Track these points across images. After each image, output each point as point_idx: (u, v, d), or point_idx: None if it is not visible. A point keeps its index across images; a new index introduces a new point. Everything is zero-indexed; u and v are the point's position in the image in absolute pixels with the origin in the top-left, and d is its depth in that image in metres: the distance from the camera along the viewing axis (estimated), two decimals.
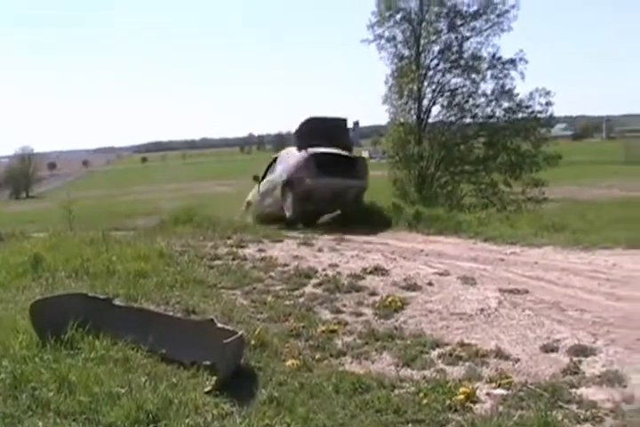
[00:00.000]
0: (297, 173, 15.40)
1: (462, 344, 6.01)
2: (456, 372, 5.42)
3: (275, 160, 17.46)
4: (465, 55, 26.39)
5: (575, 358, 5.59)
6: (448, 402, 4.76)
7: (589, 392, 4.96)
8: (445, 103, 26.58)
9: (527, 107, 25.18)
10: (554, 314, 6.85)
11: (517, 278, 8.59)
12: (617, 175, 43.34)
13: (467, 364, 5.59)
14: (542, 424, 4.36)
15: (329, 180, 15.12)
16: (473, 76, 26.25)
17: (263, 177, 17.53)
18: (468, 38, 26.36)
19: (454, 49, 26.43)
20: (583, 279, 8.69)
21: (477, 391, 4.97)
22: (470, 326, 6.56)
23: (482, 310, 7.01)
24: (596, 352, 5.72)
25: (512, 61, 25.68)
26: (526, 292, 7.70)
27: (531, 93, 25.15)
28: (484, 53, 26.29)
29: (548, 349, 5.86)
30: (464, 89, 26.39)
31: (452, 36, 26.45)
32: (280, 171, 16.26)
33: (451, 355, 5.78)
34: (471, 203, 23.52)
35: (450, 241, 12.54)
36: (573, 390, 4.98)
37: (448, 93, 26.52)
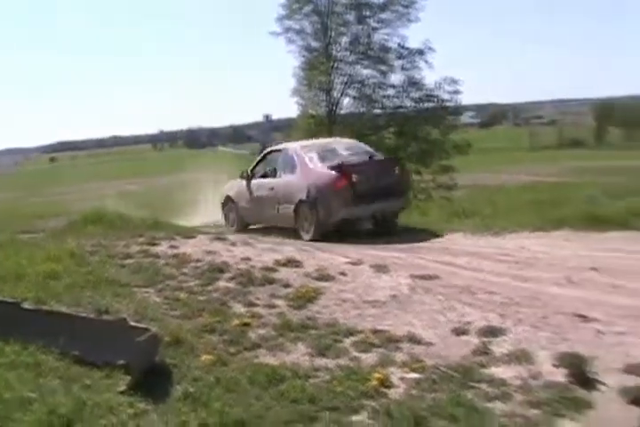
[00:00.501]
0: (325, 197, 12.07)
1: (375, 331, 6.07)
2: (370, 358, 5.48)
3: (269, 154, 14.42)
4: (374, 46, 26.63)
5: (485, 339, 5.74)
6: (362, 388, 4.81)
7: (499, 371, 5.10)
8: (355, 94, 26.81)
9: (435, 96, 25.62)
10: (464, 298, 7.00)
11: (429, 264, 8.75)
12: (523, 161, 44.40)
13: (380, 350, 5.65)
14: (454, 405, 4.46)
15: (369, 206, 12.02)
16: (382, 67, 26.52)
17: (252, 173, 14.28)
18: (376, 30, 26.62)
19: (363, 40, 26.66)
20: (492, 263, 8.92)
21: (391, 377, 5.04)
22: (383, 313, 6.64)
23: (394, 296, 7.12)
24: (505, 332, 5.89)
25: (420, 51, 26.05)
26: (437, 277, 7.83)
27: (439, 83, 25.59)
28: (393, 44, 26.62)
29: (459, 331, 6.00)
30: (374, 80, 26.66)
31: (361, 27, 26.66)
32: (288, 181, 12.94)
33: (364, 342, 5.83)
34: None
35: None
36: (484, 370, 5.11)
37: (358, 85, 26.73)
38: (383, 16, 26.55)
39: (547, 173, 26.78)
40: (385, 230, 12.47)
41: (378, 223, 12.69)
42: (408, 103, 26.10)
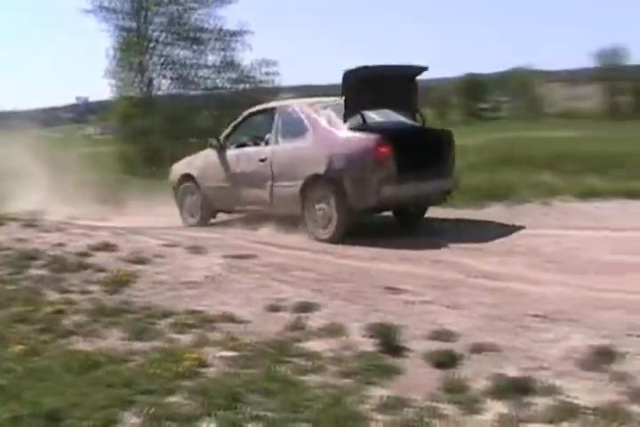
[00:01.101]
0: (359, 169, 9.01)
1: (192, 312, 6.07)
2: (186, 339, 5.45)
3: (253, 115, 11.01)
4: (190, 27, 26.33)
5: (300, 315, 5.88)
6: (178, 370, 4.77)
7: (313, 345, 5.22)
8: (172, 75, 26.44)
9: (252, 77, 25.71)
10: (280, 275, 7.13)
11: (247, 245, 8.83)
12: None
13: (196, 331, 5.64)
14: (269, 380, 4.52)
15: (414, 186, 9.21)
16: (199, 47, 26.30)
17: (225, 142, 10.88)
18: (193, 10, 26.29)
19: (180, 21, 26.28)
20: (312, 241, 9.11)
21: (207, 356, 5.05)
22: (200, 294, 6.64)
23: (211, 277, 7.13)
24: (320, 307, 6.05)
25: (235, 33, 26.00)
26: (255, 257, 7.92)
27: (256, 64, 25.66)
28: (210, 25, 26.39)
29: (274, 308, 6.09)
30: (190, 61, 26.39)
31: (177, 7, 26.26)
32: (293, 149, 9.78)
33: (180, 323, 5.79)
34: None
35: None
36: (298, 345, 5.21)
37: (174, 66, 26.37)
38: None
39: None
40: (412, 224, 10.24)
41: (406, 213, 10.31)
42: (225, 84, 26.08)
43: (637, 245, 8.01)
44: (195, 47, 26.34)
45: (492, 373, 4.50)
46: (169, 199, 11.90)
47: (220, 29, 26.20)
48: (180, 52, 26.45)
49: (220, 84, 26.11)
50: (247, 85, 25.86)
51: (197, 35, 26.33)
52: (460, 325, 5.48)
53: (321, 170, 9.16)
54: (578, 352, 4.80)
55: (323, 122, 9.53)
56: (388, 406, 4.11)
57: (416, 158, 8.82)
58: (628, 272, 6.99)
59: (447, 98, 71.93)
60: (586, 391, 4.22)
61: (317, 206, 9.26)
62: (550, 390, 4.23)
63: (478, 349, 4.95)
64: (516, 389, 4.25)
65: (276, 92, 27.58)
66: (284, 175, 9.67)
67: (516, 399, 4.13)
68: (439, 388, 4.35)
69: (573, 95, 60.34)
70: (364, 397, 4.26)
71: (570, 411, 3.94)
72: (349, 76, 9.24)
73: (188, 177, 11.26)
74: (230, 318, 5.87)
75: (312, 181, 9.31)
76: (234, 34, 26.04)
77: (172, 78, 26.46)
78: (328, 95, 10.64)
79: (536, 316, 5.63)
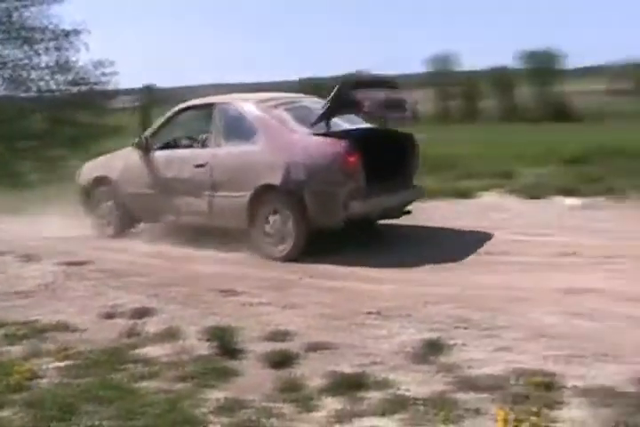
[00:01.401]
0: (324, 180, 7.70)
1: (24, 322, 5.89)
2: (17, 351, 5.28)
3: (185, 111, 9.28)
4: (21, 26, 25.31)
5: (136, 321, 5.82)
6: (8, 383, 4.63)
7: (150, 350, 5.19)
8: (3, 76, 25.39)
9: (87, 79, 25.01)
10: (116, 282, 7.04)
11: (83, 251, 8.60)
12: None
13: (30, 341, 5.49)
14: (104, 388, 4.46)
15: (382, 198, 8.12)
16: (31, 47, 25.34)
17: (150, 140, 9.12)
18: (26, 7, 25.29)
19: (10, 19, 25.23)
20: (146, 245, 8.94)
21: (40, 367, 4.92)
22: (32, 303, 6.47)
23: (44, 285, 6.96)
24: (156, 312, 6.03)
25: (70, 33, 25.20)
26: (90, 263, 7.78)
27: (94, 65, 24.95)
28: (44, 24, 25.43)
29: (110, 315, 6.01)
30: (21, 62, 25.40)
31: (6, 5, 25.21)
32: (240, 153, 8.21)
33: (12, 335, 5.62)
34: (39, 180, 22.79)
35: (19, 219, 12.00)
36: (134, 351, 5.17)
37: (5, 66, 25.33)
38: None
39: None
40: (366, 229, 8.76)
41: (365, 225, 8.72)
42: (60, 86, 25.23)
43: (464, 243, 8.37)
44: (26, 47, 25.31)
45: (327, 370, 4.62)
46: (15, 206, 11.38)
47: (54, 29, 25.32)
48: (11, 53, 25.38)
49: (54, 87, 25.22)
50: (82, 87, 25.08)
51: (29, 34, 25.32)
52: (295, 325, 5.58)
53: (276, 180, 7.82)
54: (409, 346, 5.00)
55: (275, 124, 8.15)
56: (225, 408, 4.15)
57: (383, 166, 7.92)
58: (456, 268, 7.31)
59: None
60: (416, 383, 4.41)
61: (269, 221, 7.95)
62: (383, 384, 4.39)
63: (314, 347, 5.07)
64: (351, 384, 4.38)
65: (114, 94, 27.02)
66: (228, 184, 8.25)
67: (351, 395, 4.26)
68: (275, 388, 4.42)
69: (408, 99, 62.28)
70: (201, 400, 4.28)
71: (401, 403, 4.12)
72: (346, 87, 8.00)
73: (103, 180, 9.56)
74: (64, 327, 5.75)
75: (264, 192, 7.98)
76: (68, 33, 25.20)
77: (2, 79, 25.37)
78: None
79: (370, 313, 5.81)
